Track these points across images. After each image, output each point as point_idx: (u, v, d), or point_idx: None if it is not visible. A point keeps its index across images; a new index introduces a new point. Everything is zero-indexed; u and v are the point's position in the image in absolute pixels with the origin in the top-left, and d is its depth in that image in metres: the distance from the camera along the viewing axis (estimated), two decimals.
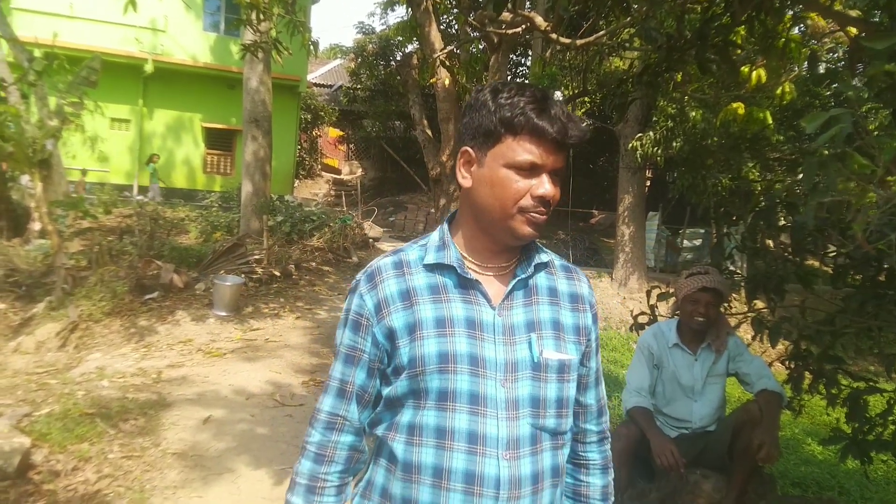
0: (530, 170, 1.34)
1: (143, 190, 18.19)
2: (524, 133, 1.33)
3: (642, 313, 4.42)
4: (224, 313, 8.33)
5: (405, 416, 1.40)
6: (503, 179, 1.35)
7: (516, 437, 1.36)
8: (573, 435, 1.56)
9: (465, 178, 1.43)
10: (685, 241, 17.90)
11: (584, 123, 1.37)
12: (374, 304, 1.42)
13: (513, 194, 1.34)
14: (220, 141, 20.27)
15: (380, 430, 1.45)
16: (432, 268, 1.44)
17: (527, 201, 1.34)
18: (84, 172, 16.11)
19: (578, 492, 1.60)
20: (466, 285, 1.42)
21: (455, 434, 1.35)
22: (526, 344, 1.40)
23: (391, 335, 1.40)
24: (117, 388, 5.72)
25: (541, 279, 1.49)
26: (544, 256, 1.50)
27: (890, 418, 3.48)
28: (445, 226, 1.51)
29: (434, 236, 1.50)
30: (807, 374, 3.83)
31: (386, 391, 1.44)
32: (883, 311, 3.31)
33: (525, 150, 1.33)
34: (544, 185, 1.34)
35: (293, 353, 7.36)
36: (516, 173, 1.34)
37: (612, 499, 1.62)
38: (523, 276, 1.45)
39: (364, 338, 1.44)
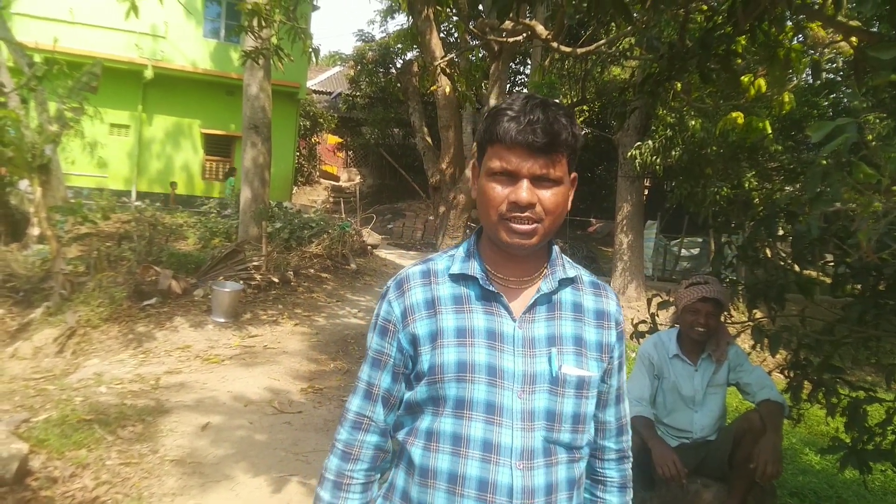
0: (507, 176, 1.35)
1: (141, 196, 18.16)
2: (496, 140, 1.36)
3: (642, 322, 4.42)
4: (222, 320, 8.32)
5: (424, 422, 1.44)
6: (484, 188, 1.39)
7: (530, 448, 1.38)
8: (592, 451, 1.57)
9: (474, 192, 1.48)
10: (682, 250, 17.93)
11: (567, 130, 1.34)
12: (400, 311, 1.47)
13: (491, 201, 1.37)
14: (219, 147, 20.29)
15: (401, 435, 1.49)
16: (457, 278, 1.48)
17: (504, 208, 1.35)
18: (174, 185, 15.95)
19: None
20: (489, 297, 1.45)
21: (470, 442, 1.38)
22: (545, 357, 1.42)
23: (415, 342, 1.44)
24: (115, 394, 5.70)
25: (566, 294, 1.50)
26: (571, 272, 1.51)
27: (889, 428, 3.49)
28: (473, 237, 1.54)
29: (462, 247, 1.53)
30: (806, 383, 3.83)
31: (407, 396, 1.49)
32: (883, 320, 3.32)
33: (497, 157, 1.36)
34: (516, 191, 1.34)
35: (291, 360, 7.35)
36: (494, 181, 1.37)
37: None
38: (547, 290, 1.46)
39: (390, 343, 1.48)
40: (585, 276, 1.56)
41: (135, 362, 6.70)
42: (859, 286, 3.58)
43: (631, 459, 1.65)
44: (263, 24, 6.60)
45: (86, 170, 17.12)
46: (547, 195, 1.35)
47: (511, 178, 1.35)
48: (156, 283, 8.58)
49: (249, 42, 9.33)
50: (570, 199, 1.44)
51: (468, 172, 8.81)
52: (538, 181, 1.34)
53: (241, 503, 4.08)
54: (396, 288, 1.50)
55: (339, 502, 1.49)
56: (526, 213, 1.34)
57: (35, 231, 9.37)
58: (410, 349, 1.45)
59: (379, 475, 1.55)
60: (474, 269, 1.46)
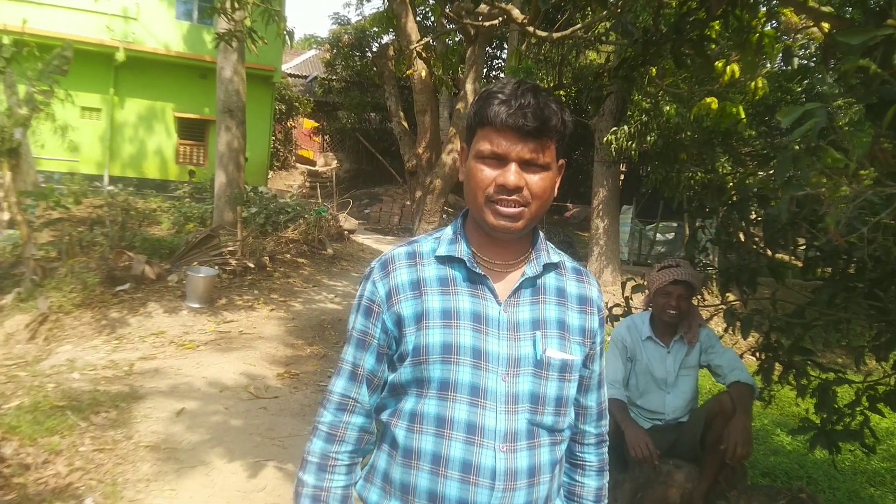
0: (496, 159, 1.35)
1: (114, 180, 17.92)
2: (486, 123, 1.36)
3: (616, 305, 4.45)
4: (197, 305, 8.26)
5: (408, 404, 1.44)
6: (472, 170, 1.39)
7: (514, 430, 1.39)
8: (572, 435, 1.59)
9: (461, 174, 1.48)
10: (658, 235, 18.06)
11: (557, 116, 1.35)
12: (385, 292, 1.46)
13: (479, 184, 1.37)
14: (192, 131, 20.02)
15: (384, 416, 1.49)
16: (443, 260, 1.48)
17: (491, 190, 1.36)
18: (192, 174, 15.49)
19: (573, 491, 1.63)
20: (475, 279, 1.45)
21: (454, 424, 1.39)
22: (530, 341, 1.43)
23: (399, 322, 1.44)
24: (88, 380, 5.65)
25: (550, 279, 1.51)
26: (555, 257, 1.53)
27: (858, 409, 3.55)
28: (459, 220, 1.53)
29: (448, 230, 1.53)
30: (777, 365, 3.88)
31: (391, 377, 1.49)
32: (853, 303, 3.37)
33: (486, 140, 1.36)
34: (504, 174, 1.34)
35: (267, 345, 7.32)
36: (482, 163, 1.37)
37: (606, 501, 1.66)
38: (532, 274, 1.47)
39: (374, 324, 1.47)
40: (568, 262, 1.58)
41: (108, 348, 6.65)
42: (829, 269, 3.63)
43: (608, 443, 1.67)
44: (237, 5, 6.52)
45: (57, 154, 16.84)
46: (535, 180, 1.36)
47: (500, 161, 1.35)
48: (129, 269, 8.49)
49: (223, 24, 9.22)
50: (557, 185, 1.44)
51: (445, 157, 8.78)
52: (526, 165, 1.35)
53: (217, 489, 4.07)
54: (381, 268, 1.49)
55: (324, 484, 1.47)
56: (513, 197, 1.35)
57: (5, 216, 9.21)
58: (395, 330, 1.45)
59: (361, 458, 1.55)
60: (462, 251, 1.46)
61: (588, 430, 1.62)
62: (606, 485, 1.66)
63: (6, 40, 9.68)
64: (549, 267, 1.51)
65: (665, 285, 3.57)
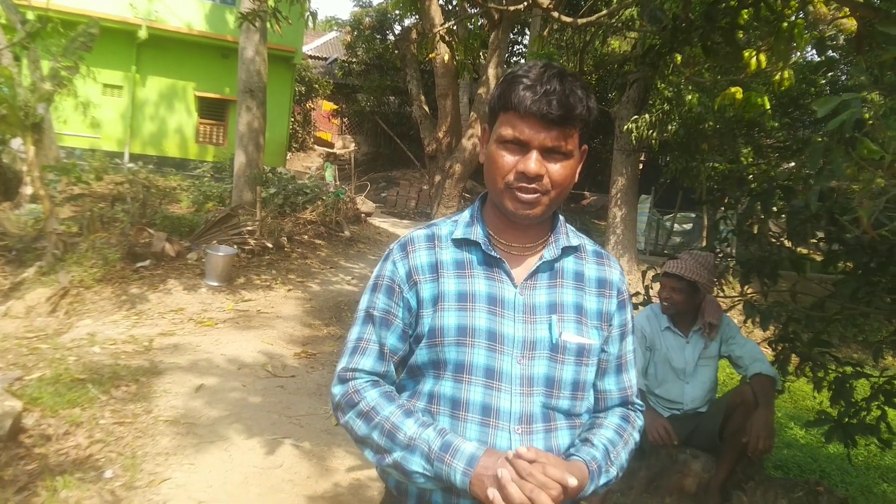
0: (518, 145, 1.34)
1: (134, 158, 18.02)
2: (509, 108, 1.34)
3: (636, 293, 4.45)
4: (216, 283, 8.31)
5: (426, 385, 1.45)
6: (493, 155, 1.38)
7: (529, 413, 1.39)
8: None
9: (482, 156, 1.47)
10: (675, 225, 17.96)
11: (583, 103, 1.32)
12: (405, 272, 1.46)
13: (499, 169, 1.36)
14: (213, 110, 20.08)
15: (404, 398, 1.49)
16: (459, 243, 1.48)
17: (511, 177, 1.35)
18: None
19: (591, 424, 1.51)
20: (491, 262, 1.45)
21: (469, 405, 1.39)
22: (546, 324, 1.42)
23: (418, 303, 1.44)
24: (109, 354, 5.71)
25: (568, 263, 1.50)
26: (574, 240, 1.51)
27: (874, 403, 3.54)
28: (478, 203, 1.53)
29: (466, 212, 1.53)
30: (793, 356, 3.87)
31: (409, 359, 1.49)
32: (875, 298, 3.35)
33: (509, 125, 1.34)
34: (525, 162, 1.33)
35: (285, 325, 7.37)
36: (504, 149, 1.36)
37: (630, 446, 1.49)
38: (550, 258, 1.46)
39: (397, 303, 1.47)
40: (589, 245, 1.56)
41: (128, 323, 6.71)
42: (851, 263, 3.60)
43: (641, 423, 1.57)
44: None
45: (78, 130, 16.95)
46: (556, 168, 1.35)
47: (522, 147, 1.34)
48: (149, 246, 8.56)
49: (246, 4, 9.23)
50: (578, 171, 1.43)
51: (465, 142, 8.79)
52: (548, 153, 1.34)
53: (235, 464, 4.11)
54: (401, 249, 1.49)
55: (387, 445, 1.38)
56: (533, 185, 1.34)
57: (28, 190, 9.30)
58: (414, 309, 1.46)
59: None
60: (477, 234, 1.46)
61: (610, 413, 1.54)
62: (632, 436, 1.51)
63: (31, 16, 9.73)
64: (569, 250, 1.50)
65: (662, 277, 3.60)
